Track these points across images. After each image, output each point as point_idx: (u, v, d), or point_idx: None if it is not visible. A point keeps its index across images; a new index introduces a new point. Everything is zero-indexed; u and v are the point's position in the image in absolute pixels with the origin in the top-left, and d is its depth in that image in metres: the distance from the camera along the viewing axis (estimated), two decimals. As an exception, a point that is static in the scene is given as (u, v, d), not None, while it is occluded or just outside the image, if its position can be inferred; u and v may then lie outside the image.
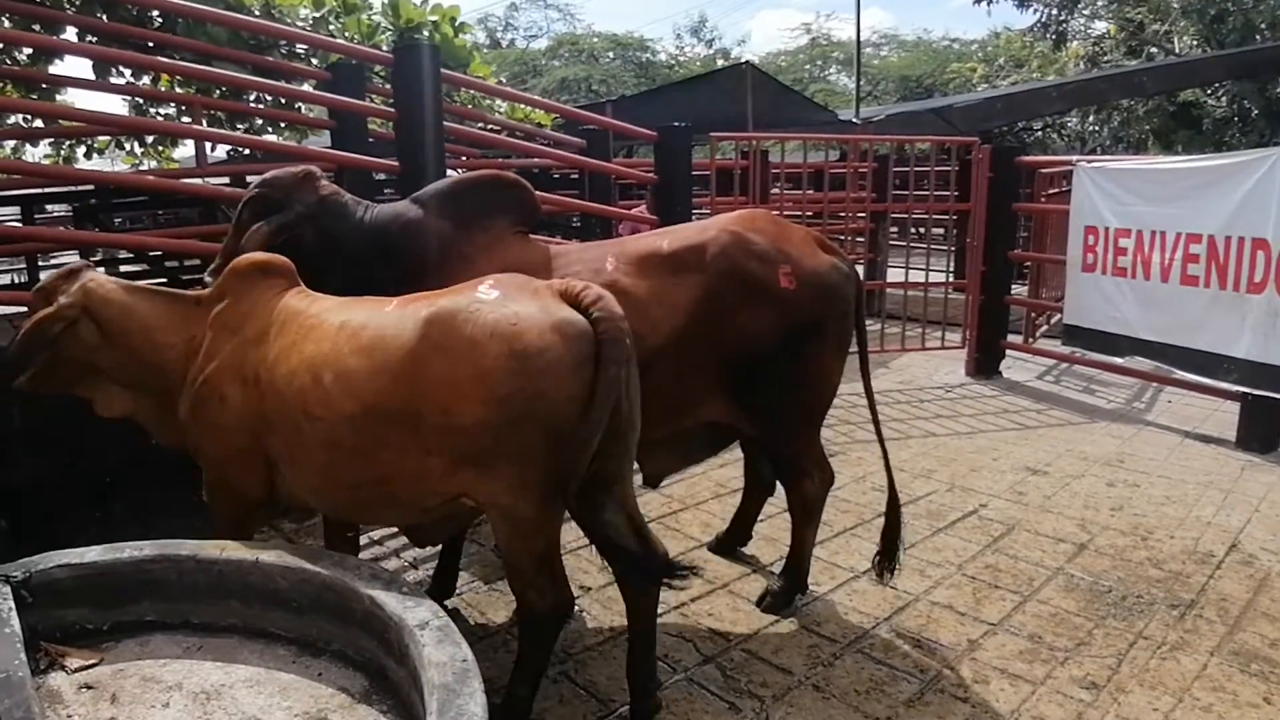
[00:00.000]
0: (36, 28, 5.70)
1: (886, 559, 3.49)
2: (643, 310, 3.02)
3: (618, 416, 2.44)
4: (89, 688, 2.15)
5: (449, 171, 5.17)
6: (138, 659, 2.27)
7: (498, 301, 2.41)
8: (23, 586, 2.27)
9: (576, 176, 7.95)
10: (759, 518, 4.04)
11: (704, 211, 7.62)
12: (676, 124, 6.71)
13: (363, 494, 2.60)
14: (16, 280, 10.24)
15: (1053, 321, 8.42)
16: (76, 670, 2.21)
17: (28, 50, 6.32)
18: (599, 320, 2.42)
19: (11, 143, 8.83)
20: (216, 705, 2.07)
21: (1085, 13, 21.38)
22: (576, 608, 3.50)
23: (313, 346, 2.55)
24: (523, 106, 8.68)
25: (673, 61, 40.46)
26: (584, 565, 3.88)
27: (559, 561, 2.59)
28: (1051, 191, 8.53)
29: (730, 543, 4.03)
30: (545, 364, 2.33)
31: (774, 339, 3.11)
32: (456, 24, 7.64)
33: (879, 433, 3.56)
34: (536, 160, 7.24)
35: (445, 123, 5.39)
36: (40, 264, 9.19)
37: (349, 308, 2.65)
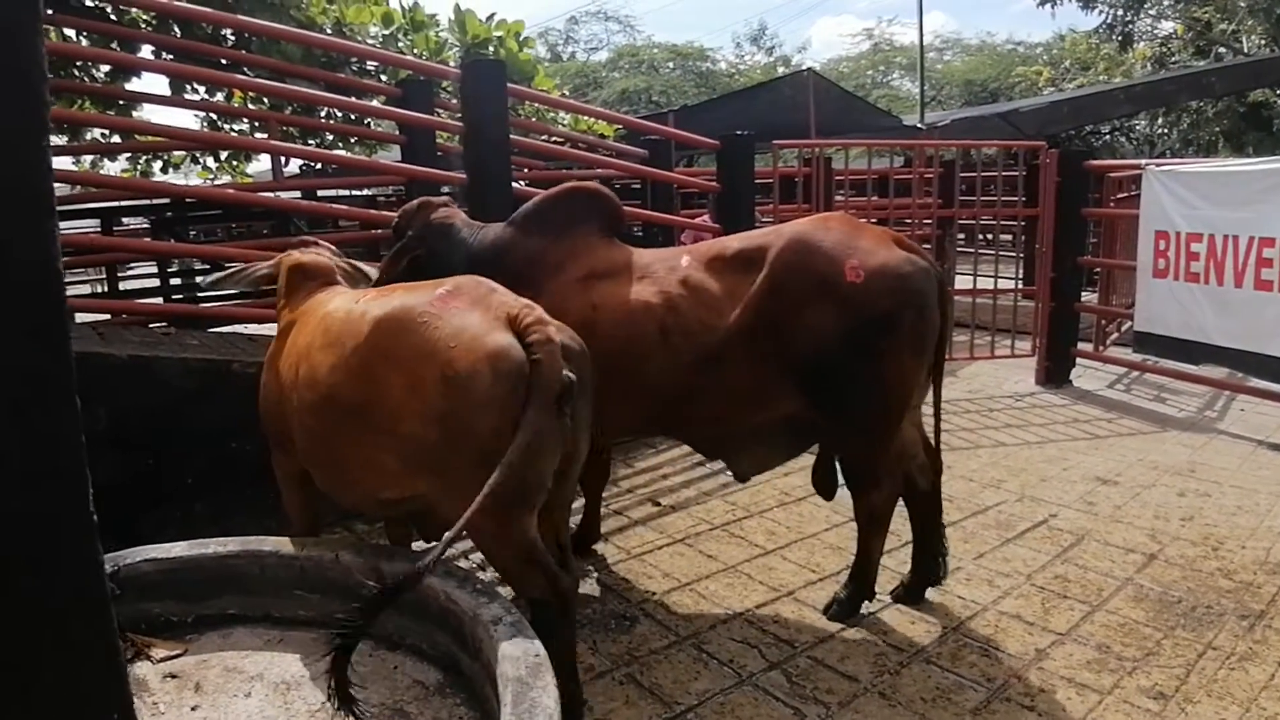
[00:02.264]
0: (114, 46, 5.92)
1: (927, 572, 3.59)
2: (713, 303, 3.24)
3: (565, 446, 2.46)
4: (173, 677, 2.24)
5: (514, 184, 5.26)
6: (220, 650, 2.36)
7: (448, 315, 2.37)
8: (110, 579, 2.37)
9: (639, 186, 8.00)
10: (826, 526, 4.02)
11: (768, 220, 7.62)
12: (739, 132, 6.74)
13: (331, 475, 2.70)
14: (97, 290, 10.56)
15: (1123, 329, 8.26)
16: (161, 660, 2.30)
17: (106, 67, 6.56)
18: (532, 352, 2.33)
19: (90, 157, 9.15)
20: (296, 695, 2.14)
21: (1151, 13, 21.01)
22: (642, 612, 3.54)
23: (303, 339, 2.70)
24: (586, 118, 8.79)
25: (733, 70, 40.40)
26: (648, 570, 3.91)
27: (544, 555, 2.50)
28: (1120, 196, 8.36)
29: (919, 588, 3.65)
30: (474, 394, 2.27)
31: (841, 333, 3.09)
32: (521, 39, 7.78)
33: (937, 444, 3.58)
34: (600, 171, 7.32)
35: (511, 135, 5.48)
36: (119, 274, 9.48)
37: (337, 298, 2.81)
